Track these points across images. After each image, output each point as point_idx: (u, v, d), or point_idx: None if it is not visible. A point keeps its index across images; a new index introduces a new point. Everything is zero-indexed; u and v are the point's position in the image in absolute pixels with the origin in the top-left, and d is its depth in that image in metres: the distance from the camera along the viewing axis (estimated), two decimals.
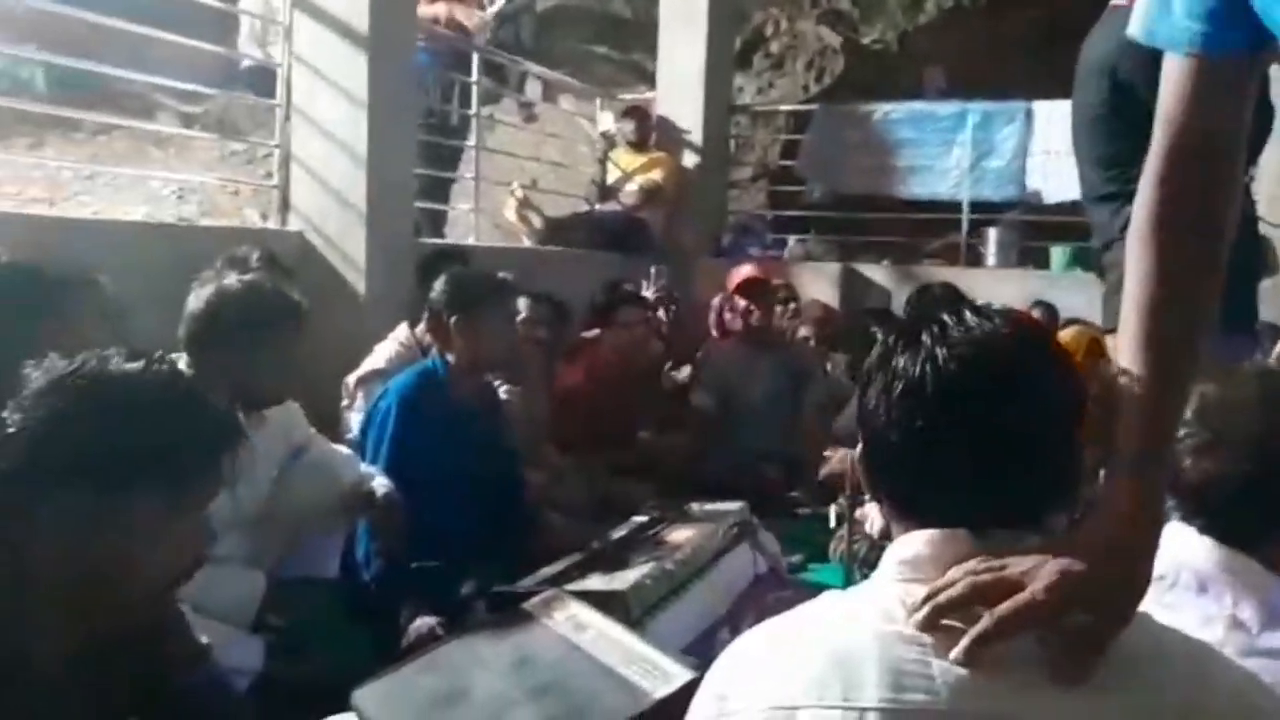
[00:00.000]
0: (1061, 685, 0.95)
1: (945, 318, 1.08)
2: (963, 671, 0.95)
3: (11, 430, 1.34)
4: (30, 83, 6.68)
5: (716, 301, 5.80)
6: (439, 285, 3.16)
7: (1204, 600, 1.35)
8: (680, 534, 3.05)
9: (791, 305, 5.97)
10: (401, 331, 3.80)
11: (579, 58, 8.62)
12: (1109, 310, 2.87)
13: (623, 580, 2.58)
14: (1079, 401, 1.09)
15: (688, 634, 2.58)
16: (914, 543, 1.05)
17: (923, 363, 1.05)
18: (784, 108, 8.39)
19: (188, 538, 1.43)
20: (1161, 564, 1.37)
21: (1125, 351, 1.11)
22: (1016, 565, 0.99)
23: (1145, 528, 1.05)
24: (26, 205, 6.17)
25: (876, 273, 6.92)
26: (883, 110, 7.26)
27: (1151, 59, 2.56)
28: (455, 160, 6.07)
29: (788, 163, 7.79)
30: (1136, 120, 2.54)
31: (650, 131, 6.99)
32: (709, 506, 3.35)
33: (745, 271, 5.12)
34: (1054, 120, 6.80)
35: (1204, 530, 1.40)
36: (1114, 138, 2.66)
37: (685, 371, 5.34)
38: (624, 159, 6.93)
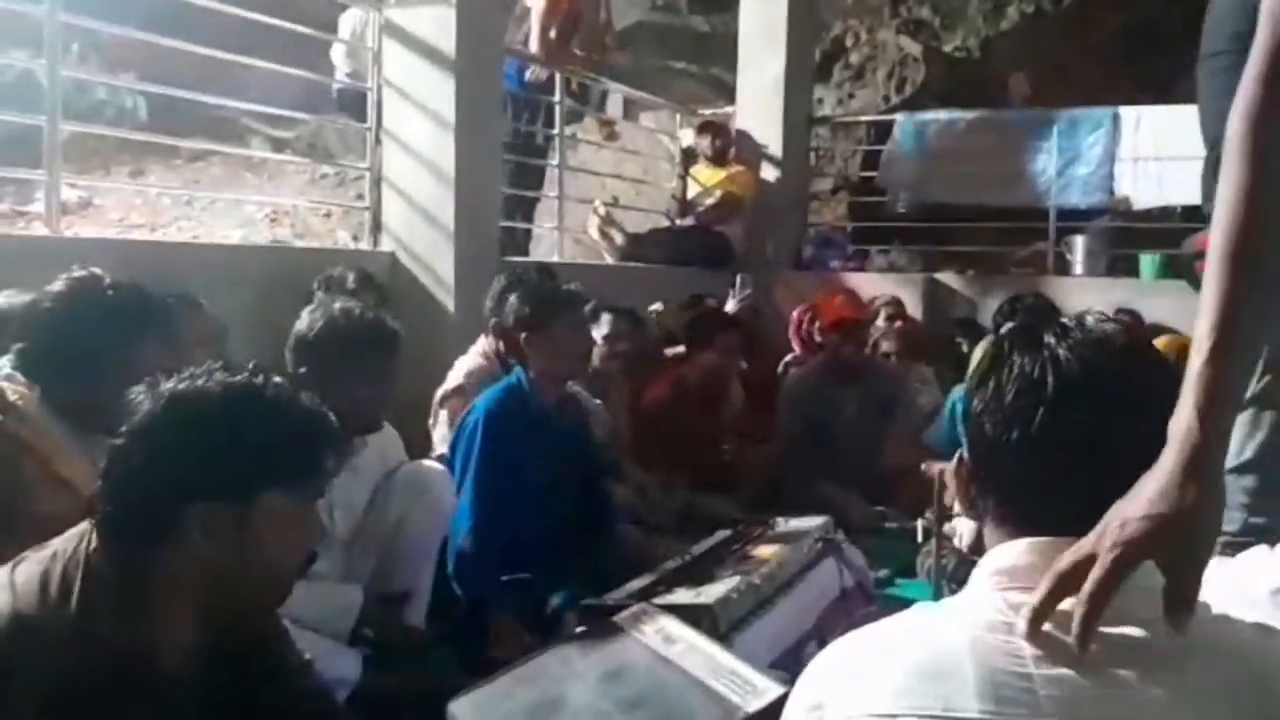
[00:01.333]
0: (1169, 696, 0.93)
1: (1063, 320, 1.08)
2: (1065, 682, 0.94)
3: (134, 447, 1.43)
4: (132, 112, 6.93)
5: (797, 315, 5.80)
6: (511, 300, 3.22)
7: None
8: (765, 549, 3.04)
9: (898, 323, 5.87)
10: (481, 344, 3.85)
11: (659, 74, 8.67)
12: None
13: (709, 594, 2.58)
14: None
15: (775, 648, 2.58)
16: (1013, 551, 1.05)
17: (1043, 362, 1.04)
18: (864, 118, 8.33)
19: (302, 531, 1.55)
20: (1274, 573, 1.36)
21: (1214, 253, 1.04)
22: (1086, 541, 0.97)
23: (1205, 455, 0.97)
24: (129, 231, 6.40)
25: (961, 283, 6.83)
26: (965, 118, 7.19)
27: None
28: (539, 179, 6.16)
29: (869, 174, 7.74)
30: None
31: (729, 146, 7.00)
32: (794, 521, 3.34)
33: (839, 306, 5.06)
34: (1141, 126, 6.68)
35: None
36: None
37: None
38: (704, 174, 6.95)
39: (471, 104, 4.52)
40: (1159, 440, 1.01)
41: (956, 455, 1.14)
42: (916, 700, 0.96)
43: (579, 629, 2.42)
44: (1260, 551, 1.47)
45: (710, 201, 6.75)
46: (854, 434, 4.72)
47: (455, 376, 3.75)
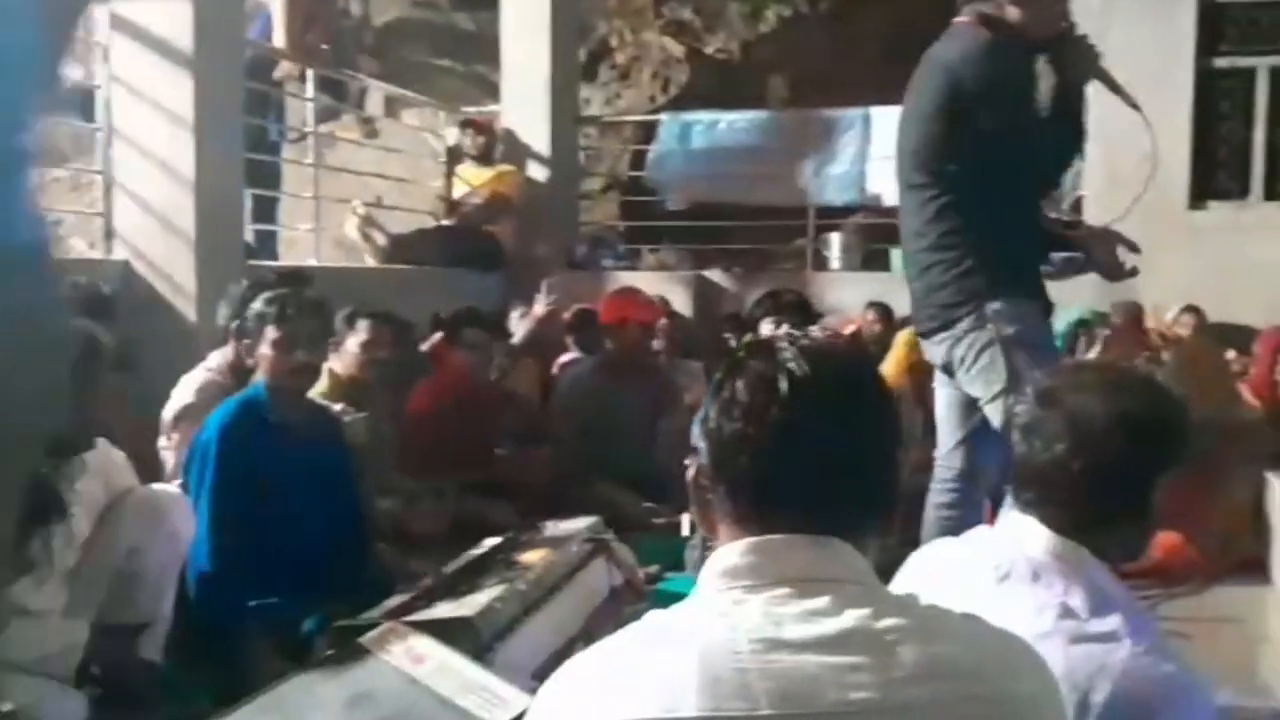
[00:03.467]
0: (879, 682, 0.96)
1: (792, 330, 1.12)
2: (779, 675, 0.96)
3: None
4: None
5: (569, 316, 5.77)
6: (252, 307, 3.05)
7: (1037, 589, 1.40)
8: (532, 554, 3.01)
9: (664, 321, 5.90)
10: (213, 359, 3.60)
11: (422, 72, 8.48)
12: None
13: (471, 605, 2.53)
14: (899, 425, 1.14)
15: (542, 653, 2.56)
16: (735, 551, 1.06)
17: (776, 365, 1.07)
18: (631, 118, 8.43)
19: None
20: (997, 555, 1.43)
21: None
22: None
23: None
24: None
25: (728, 280, 7.00)
26: (727, 119, 7.35)
27: (993, 76, 2.74)
28: (276, 179, 5.89)
29: (638, 173, 7.82)
30: (961, 128, 2.73)
31: (494, 144, 6.93)
32: (563, 524, 3.32)
33: (617, 306, 5.05)
34: (891, 126, 6.97)
35: (1042, 519, 1.44)
36: (937, 138, 2.84)
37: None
38: (470, 173, 6.84)
39: (211, 101, 4.28)
40: (877, 442, 1.10)
41: (694, 461, 1.14)
42: (639, 705, 0.97)
43: (326, 653, 2.30)
44: (980, 531, 1.52)
45: (477, 201, 6.65)
46: (628, 432, 4.73)
47: (184, 394, 3.48)
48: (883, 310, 5.97)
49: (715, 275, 7.03)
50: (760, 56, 8.80)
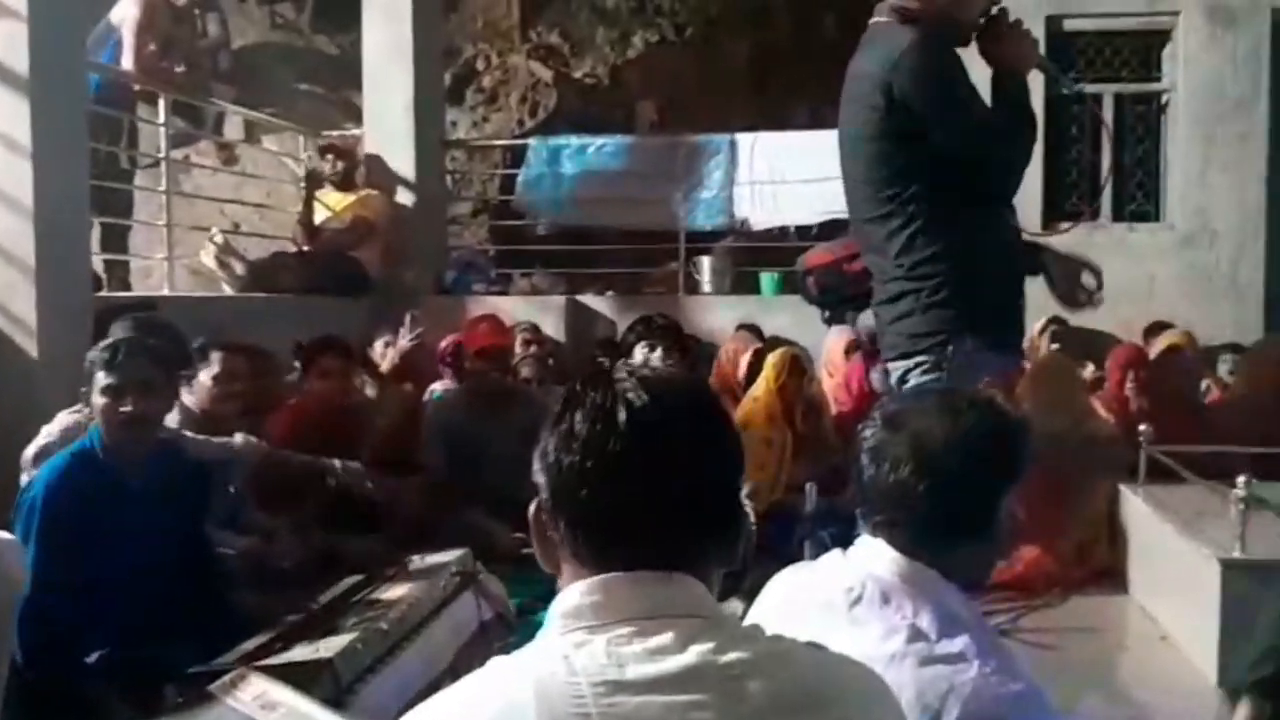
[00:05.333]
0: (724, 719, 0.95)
1: (631, 364, 1.14)
2: (623, 715, 0.94)
3: None
4: None
5: (443, 344, 5.67)
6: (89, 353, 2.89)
7: (887, 611, 1.41)
8: (396, 590, 2.93)
9: (534, 348, 5.86)
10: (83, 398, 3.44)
11: (284, 96, 8.26)
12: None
13: (329, 647, 2.45)
14: (741, 455, 1.11)
15: (409, 691, 2.48)
16: (576, 592, 1.04)
17: (614, 396, 1.05)
18: (499, 143, 8.38)
19: None
20: (849, 578, 1.42)
21: None
22: None
23: None
24: None
25: (601, 304, 7.00)
26: (596, 144, 7.36)
27: (926, 73, 2.52)
28: (128, 207, 5.66)
29: (507, 197, 7.76)
30: (909, 140, 2.53)
31: (355, 168, 6.80)
32: (431, 557, 3.23)
33: (484, 333, 4.98)
34: (756, 151, 7.11)
35: (891, 541, 1.45)
36: (887, 159, 2.61)
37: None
38: (331, 198, 6.68)
39: (50, 127, 4.07)
40: (723, 473, 1.07)
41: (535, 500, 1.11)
42: None
43: (176, 702, 2.18)
44: (835, 556, 1.52)
45: (338, 226, 6.49)
46: (498, 461, 4.65)
47: (49, 433, 3.32)
48: (754, 331, 6.05)
49: (588, 299, 7.02)
50: (628, 81, 8.84)
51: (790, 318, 5.99)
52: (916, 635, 1.37)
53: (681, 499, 1.03)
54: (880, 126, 2.59)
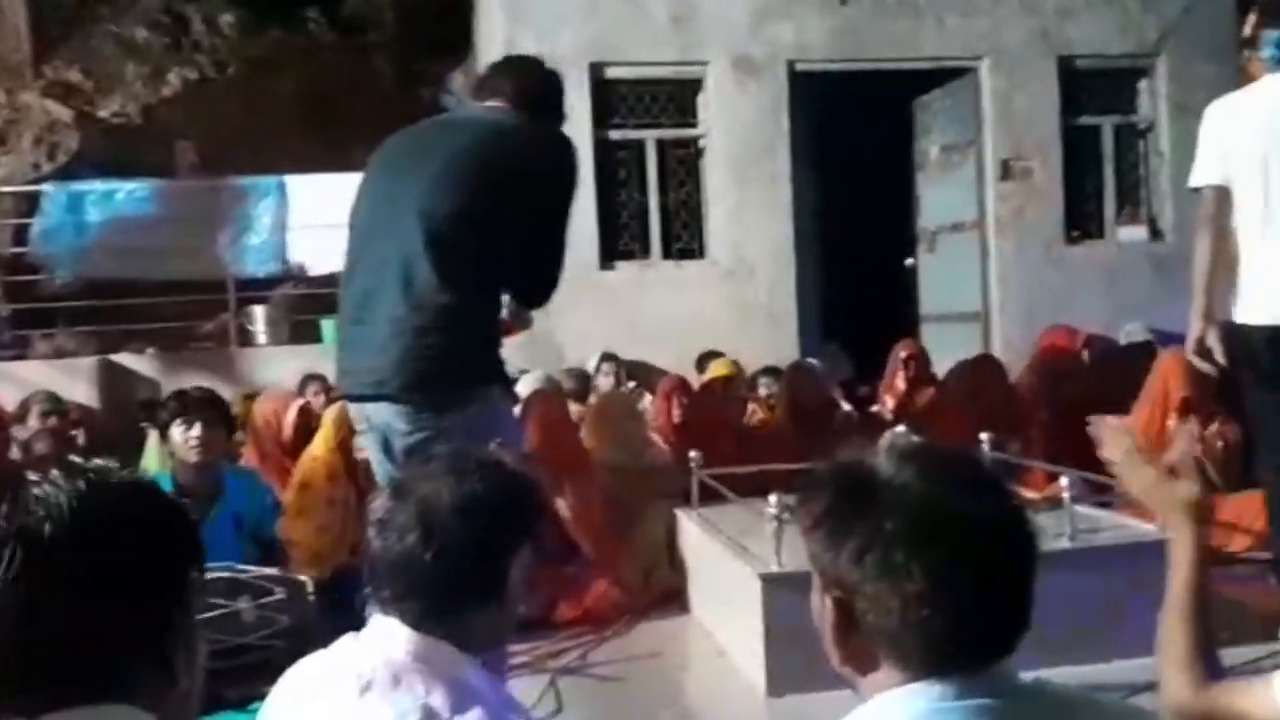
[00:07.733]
0: None
1: (57, 472, 1.01)
2: None
3: None
4: None
5: None
6: None
7: (399, 694, 1.33)
8: None
9: (51, 420, 5.13)
10: None
11: None
12: None
13: None
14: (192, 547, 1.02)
15: None
16: None
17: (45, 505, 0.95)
18: (10, 189, 7.45)
19: None
20: (361, 664, 1.28)
21: None
22: None
23: None
24: None
25: (141, 363, 6.41)
26: (126, 189, 6.72)
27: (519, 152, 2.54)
28: None
29: (21, 249, 6.88)
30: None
31: None
32: None
33: None
34: (310, 194, 6.78)
35: (403, 617, 1.38)
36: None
37: None
38: None
39: None
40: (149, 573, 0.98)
41: None
42: None
43: None
44: (347, 640, 1.40)
45: None
46: None
47: None
48: (323, 383, 5.70)
49: (125, 358, 6.41)
50: (164, 121, 8.20)
51: None
52: (429, 716, 1.30)
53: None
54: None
